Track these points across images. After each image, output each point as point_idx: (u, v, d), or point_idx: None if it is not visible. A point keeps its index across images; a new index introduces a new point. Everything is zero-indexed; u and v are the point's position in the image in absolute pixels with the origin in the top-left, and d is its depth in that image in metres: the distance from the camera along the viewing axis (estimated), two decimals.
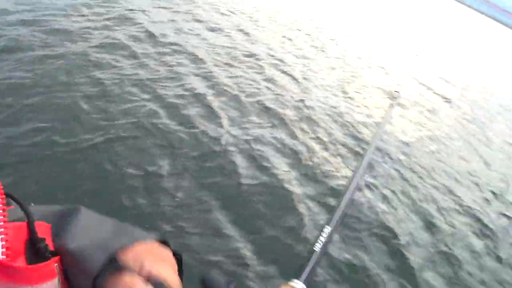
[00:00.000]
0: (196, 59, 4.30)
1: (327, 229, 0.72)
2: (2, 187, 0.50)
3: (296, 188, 2.86)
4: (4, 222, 0.47)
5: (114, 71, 3.58)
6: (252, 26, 6.17)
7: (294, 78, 4.74)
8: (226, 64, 4.45)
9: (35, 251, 0.50)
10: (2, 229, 0.46)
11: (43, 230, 0.53)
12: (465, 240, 3.01)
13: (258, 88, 4.16)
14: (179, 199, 2.47)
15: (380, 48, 7.64)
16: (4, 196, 0.50)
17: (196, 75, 3.99)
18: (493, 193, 3.86)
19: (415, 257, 2.64)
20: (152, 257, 0.49)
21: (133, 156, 2.67)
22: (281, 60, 5.21)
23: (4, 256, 0.44)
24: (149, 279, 0.46)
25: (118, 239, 0.52)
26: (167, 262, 0.51)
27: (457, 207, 3.40)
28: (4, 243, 0.45)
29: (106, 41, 4.04)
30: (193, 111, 3.36)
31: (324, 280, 2.20)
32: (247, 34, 5.66)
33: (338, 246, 2.45)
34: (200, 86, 3.80)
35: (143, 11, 5.12)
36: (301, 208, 2.68)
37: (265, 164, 3.03)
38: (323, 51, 6.31)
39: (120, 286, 0.45)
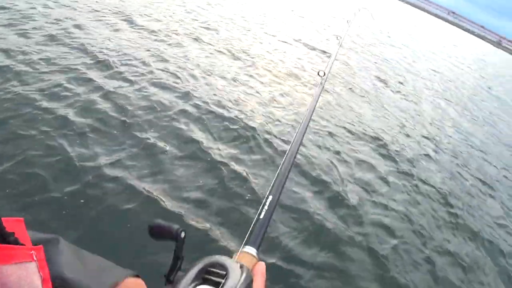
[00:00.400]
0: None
1: (270, 198, 0.80)
2: None
3: (238, 164, 3.07)
4: None
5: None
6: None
7: (226, 58, 4.91)
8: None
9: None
10: None
11: (15, 226, 0.53)
12: (398, 196, 3.44)
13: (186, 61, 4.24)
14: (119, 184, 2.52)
15: (303, 31, 7.97)
16: None
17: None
18: (412, 156, 4.42)
19: (355, 216, 2.98)
20: None
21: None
22: (208, 43, 5.43)
23: None
24: None
25: (108, 275, 0.60)
26: None
27: (388, 172, 3.82)
28: None
29: None
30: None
31: (273, 244, 2.43)
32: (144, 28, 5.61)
33: (281, 212, 2.70)
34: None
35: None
36: (244, 181, 2.88)
37: (209, 145, 3.19)
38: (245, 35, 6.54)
39: None
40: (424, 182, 3.82)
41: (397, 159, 4.03)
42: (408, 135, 4.79)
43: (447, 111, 6.84)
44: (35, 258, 0.47)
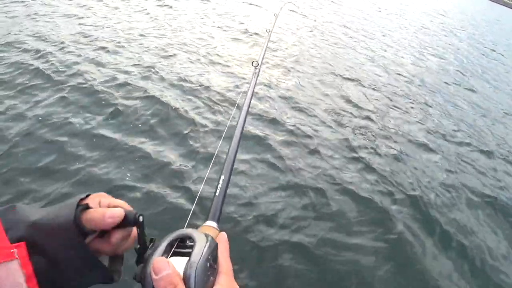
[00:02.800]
0: None
1: (222, 177, 0.91)
2: None
3: (185, 149, 3.31)
4: None
5: None
6: None
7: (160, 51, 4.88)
8: None
9: None
10: None
11: None
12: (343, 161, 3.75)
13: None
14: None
15: (232, 19, 7.98)
16: None
17: None
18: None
19: (302, 182, 3.24)
20: (104, 197, 0.63)
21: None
22: (142, 35, 5.35)
23: None
24: (108, 206, 0.61)
25: (71, 200, 0.60)
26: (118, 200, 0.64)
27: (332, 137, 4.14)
28: None
29: None
30: None
31: (231, 218, 2.73)
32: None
33: (234, 189, 3.01)
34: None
35: None
36: (196, 165, 3.15)
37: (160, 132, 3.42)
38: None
39: (94, 213, 0.58)
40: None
41: (355, 144, 4.25)
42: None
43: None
44: (16, 256, 0.46)
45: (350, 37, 8.86)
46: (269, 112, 4.18)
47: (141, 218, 0.63)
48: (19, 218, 0.57)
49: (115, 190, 2.72)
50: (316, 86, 5.33)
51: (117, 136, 3.28)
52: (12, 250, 0.47)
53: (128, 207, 0.63)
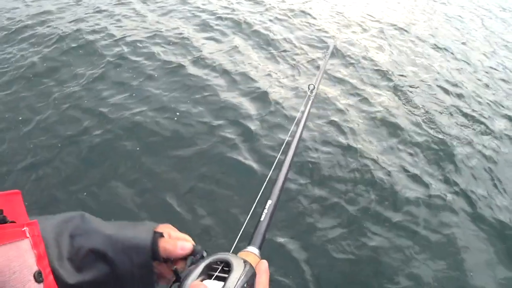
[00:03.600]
0: None
1: (269, 202, 0.89)
2: None
3: (238, 172, 3.25)
4: None
5: None
6: None
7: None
8: None
9: None
10: None
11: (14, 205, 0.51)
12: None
13: None
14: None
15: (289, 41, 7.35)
16: None
17: None
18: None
19: (351, 215, 3.04)
20: (172, 230, 0.72)
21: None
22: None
23: None
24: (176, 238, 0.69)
25: (143, 226, 0.70)
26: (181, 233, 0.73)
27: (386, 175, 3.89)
28: None
29: None
30: None
31: (274, 245, 2.63)
32: None
33: (280, 215, 2.88)
34: None
35: None
36: (245, 187, 3.08)
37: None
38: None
39: (168, 243, 0.66)
40: None
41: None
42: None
43: None
44: (28, 235, 0.45)
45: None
46: (324, 138, 4.01)
47: (205, 253, 0.67)
48: (92, 228, 0.65)
49: (166, 204, 2.81)
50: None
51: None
52: (23, 229, 0.45)
53: (191, 240, 0.71)
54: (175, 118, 3.66)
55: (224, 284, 0.52)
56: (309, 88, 1.65)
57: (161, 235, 0.68)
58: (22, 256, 0.43)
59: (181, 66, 4.49)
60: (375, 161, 3.63)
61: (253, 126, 3.76)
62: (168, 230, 0.71)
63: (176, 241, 0.66)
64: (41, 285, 0.45)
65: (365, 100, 4.64)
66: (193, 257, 0.67)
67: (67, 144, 3.24)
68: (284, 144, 1.16)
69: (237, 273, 0.54)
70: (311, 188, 3.25)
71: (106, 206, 2.75)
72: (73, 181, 2.92)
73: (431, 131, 4.26)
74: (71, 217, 0.66)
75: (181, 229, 0.73)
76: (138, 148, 3.25)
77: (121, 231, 0.65)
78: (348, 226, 2.93)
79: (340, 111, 4.35)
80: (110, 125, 3.45)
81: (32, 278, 0.44)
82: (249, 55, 4.98)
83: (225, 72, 4.53)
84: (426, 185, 3.49)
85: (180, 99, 3.94)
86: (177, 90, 4.09)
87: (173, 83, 4.21)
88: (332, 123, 4.13)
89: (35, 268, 0.45)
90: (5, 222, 0.46)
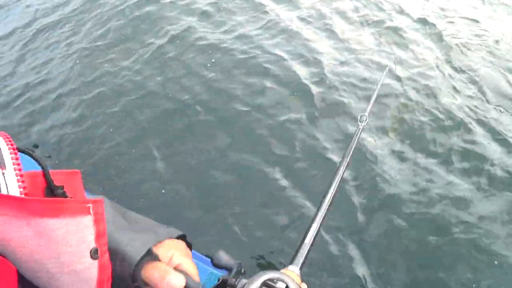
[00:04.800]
0: None
1: (313, 225, 0.94)
2: (11, 138, 0.47)
3: (284, 189, 3.28)
4: (18, 164, 0.44)
5: None
6: None
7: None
8: None
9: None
10: (17, 171, 0.43)
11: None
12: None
13: None
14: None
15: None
16: (14, 146, 0.46)
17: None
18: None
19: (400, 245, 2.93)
20: (179, 252, 0.63)
21: None
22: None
23: (22, 190, 0.43)
24: (175, 268, 0.60)
25: (150, 235, 0.63)
26: (189, 256, 0.65)
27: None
28: (21, 186, 0.43)
29: None
30: None
31: (314, 267, 2.63)
32: None
33: (325, 238, 2.85)
34: None
35: None
36: (289, 205, 3.13)
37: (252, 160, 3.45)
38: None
39: (156, 271, 0.57)
40: None
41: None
42: None
43: None
44: (91, 212, 0.46)
45: None
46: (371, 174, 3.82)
47: (243, 270, 0.66)
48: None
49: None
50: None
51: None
52: (88, 205, 0.46)
53: (195, 273, 0.62)
54: None
55: None
56: (360, 118, 1.56)
57: (155, 258, 0.60)
58: (81, 231, 0.44)
59: None
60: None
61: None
62: (173, 251, 0.62)
63: (165, 274, 0.56)
64: (96, 262, 0.47)
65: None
66: None
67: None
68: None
69: None
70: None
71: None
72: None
73: None
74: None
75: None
76: None
77: (122, 232, 0.60)
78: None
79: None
80: None
81: (88, 253, 0.45)
82: None
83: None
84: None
85: None
86: None
87: None
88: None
89: (92, 245, 0.46)
90: (66, 198, 0.49)
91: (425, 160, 3.90)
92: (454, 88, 5.12)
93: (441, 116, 4.65)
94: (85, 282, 0.46)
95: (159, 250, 0.61)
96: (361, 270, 2.73)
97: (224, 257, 0.70)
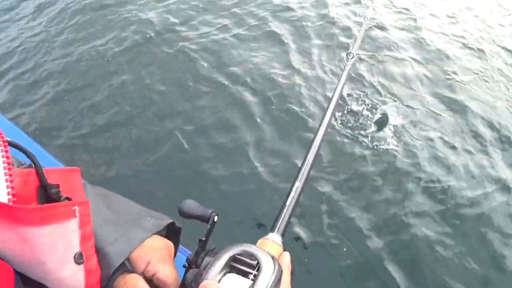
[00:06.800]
0: None
1: (296, 184, 0.81)
2: (3, 134, 0.45)
3: (264, 145, 3.05)
4: (9, 164, 0.42)
5: None
6: None
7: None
8: None
9: (47, 198, 0.47)
10: (7, 171, 0.42)
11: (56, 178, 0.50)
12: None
13: None
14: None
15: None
16: (6, 143, 0.45)
17: None
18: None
19: (385, 205, 2.76)
20: (157, 256, 0.59)
21: None
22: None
23: (11, 197, 0.41)
24: (152, 277, 0.58)
25: (136, 229, 0.59)
26: (167, 259, 0.60)
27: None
28: (9, 186, 0.41)
29: None
30: None
31: (297, 231, 2.42)
32: None
33: (308, 200, 2.63)
34: None
35: None
36: (270, 165, 2.87)
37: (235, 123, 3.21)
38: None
39: (125, 286, 0.54)
40: None
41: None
42: None
43: None
44: (77, 215, 0.44)
45: None
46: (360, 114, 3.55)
47: (216, 218, 0.61)
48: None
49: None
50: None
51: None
52: (73, 208, 0.44)
53: (173, 280, 0.58)
54: None
55: (253, 284, 0.48)
56: (347, 56, 1.50)
57: (128, 270, 0.56)
58: (67, 236, 0.43)
59: None
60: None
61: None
62: (150, 256, 0.58)
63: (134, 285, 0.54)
64: (81, 266, 0.45)
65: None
66: None
67: None
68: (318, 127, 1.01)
69: (267, 273, 0.49)
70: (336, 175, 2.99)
71: None
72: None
73: None
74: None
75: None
76: None
77: (105, 227, 0.56)
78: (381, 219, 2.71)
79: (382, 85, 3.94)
80: None
81: (72, 259, 0.44)
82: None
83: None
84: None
85: None
86: None
87: None
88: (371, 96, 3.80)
89: (77, 249, 0.45)
90: (59, 197, 0.47)
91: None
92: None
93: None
94: None
95: (138, 253, 0.58)
96: (346, 226, 2.59)
97: (191, 204, 0.63)
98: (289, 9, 4.82)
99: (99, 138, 3.06)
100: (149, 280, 0.57)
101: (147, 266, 0.57)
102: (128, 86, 3.52)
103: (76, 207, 0.44)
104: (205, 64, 3.78)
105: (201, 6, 4.64)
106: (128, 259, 0.57)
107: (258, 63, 3.97)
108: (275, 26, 4.54)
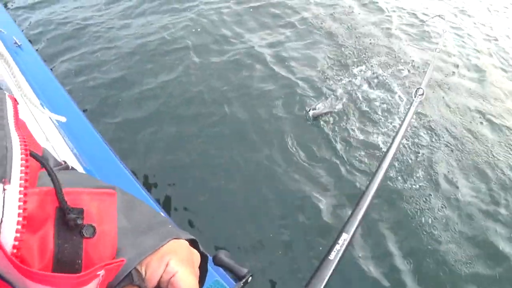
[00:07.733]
0: None
1: (344, 236, 0.69)
2: (26, 140, 0.41)
3: (312, 189, 2.73)
4: (26, 181, 0.38)
5: None
6: None
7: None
8: None
9: (65, 223, 0.42)
10: (22, 189, 0.37)
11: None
12: None
13: None
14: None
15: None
16: (27, 153, 0.41)
17: None
18: None
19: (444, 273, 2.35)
20: (177, 257, 0.49)
21: None
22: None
23: (19, 227, 0.37)
24: (169, 280, 0.47)
25: (153, 236, 0.51)
26: (189, 262, 0.51)
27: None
28: (22, 204, 0.37)
29: None
30: None
31: None
32: None
33: (355, 256, 2.27)
34: None
35: None
36: (317, 212, 2.56)
37: (279, 163, 2.92)
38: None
39: None
40: None
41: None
42: None
43: None
44: (100, 277, 0.40)
45: None
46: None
47: (250, 279, 0.59)
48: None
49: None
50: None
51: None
52: (98, 273, 0.39)
53: (192, 286, 0.48)
54: None
55: None
56: (416, 92, 1.34)
57: (133, 283, 0.46)
58: None
59: None
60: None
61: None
62: (170, 256, 0.49)
63: None
64: None
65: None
66: None
67: None
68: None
69: None
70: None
71: None
72: None
73: None
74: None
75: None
76: None
77: (121, 237, 0.48)
78: None
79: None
80: None
81: None
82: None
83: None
84: None
85: None
86: None
87: None
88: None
89: None
90: (77, 224, 0.42)
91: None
92: None
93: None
94: None
95: (155, 256, 0.48)
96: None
97: (228, 255, 0.61)
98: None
99: (148, 128, 3.09)
100: None
101: (166, 267, 0.47)
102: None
103: (102, 272, 0.39)
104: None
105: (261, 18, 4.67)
106: (139, 272, 0.48)
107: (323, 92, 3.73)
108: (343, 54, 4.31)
